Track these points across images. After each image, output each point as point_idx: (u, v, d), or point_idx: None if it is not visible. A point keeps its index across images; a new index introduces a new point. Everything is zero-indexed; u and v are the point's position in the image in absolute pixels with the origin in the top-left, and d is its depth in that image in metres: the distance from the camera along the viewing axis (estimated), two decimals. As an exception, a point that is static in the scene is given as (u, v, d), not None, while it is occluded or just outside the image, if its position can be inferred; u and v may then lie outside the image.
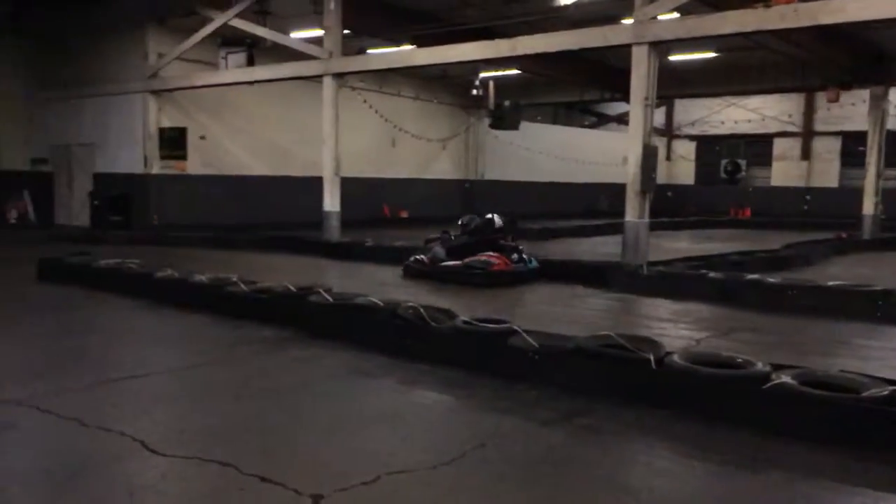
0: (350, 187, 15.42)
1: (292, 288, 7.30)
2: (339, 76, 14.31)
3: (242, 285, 7.63)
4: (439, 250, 10.76)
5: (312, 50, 14.41)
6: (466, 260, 10.25)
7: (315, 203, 14.86)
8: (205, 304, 7.64)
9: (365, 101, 19.72)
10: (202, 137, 17.47)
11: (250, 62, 15.59)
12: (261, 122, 18.52)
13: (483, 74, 20.98)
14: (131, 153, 17.19)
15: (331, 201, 14.59)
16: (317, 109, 14.60)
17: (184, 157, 17.12)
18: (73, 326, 7.29)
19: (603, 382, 4.83)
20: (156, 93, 16.85)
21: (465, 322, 5.76)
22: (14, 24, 17.98)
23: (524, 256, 10.58)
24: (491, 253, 10.32)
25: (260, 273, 9.30)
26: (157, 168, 17.03)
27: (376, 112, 20.32)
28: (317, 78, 14.49)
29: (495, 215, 11.06)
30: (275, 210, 18.09)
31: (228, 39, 15.77)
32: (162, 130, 17.01)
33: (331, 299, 6.80)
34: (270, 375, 5.48)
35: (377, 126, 20.96)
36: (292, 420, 4.45)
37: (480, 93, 21.25)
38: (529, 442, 4.08)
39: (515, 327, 5.49)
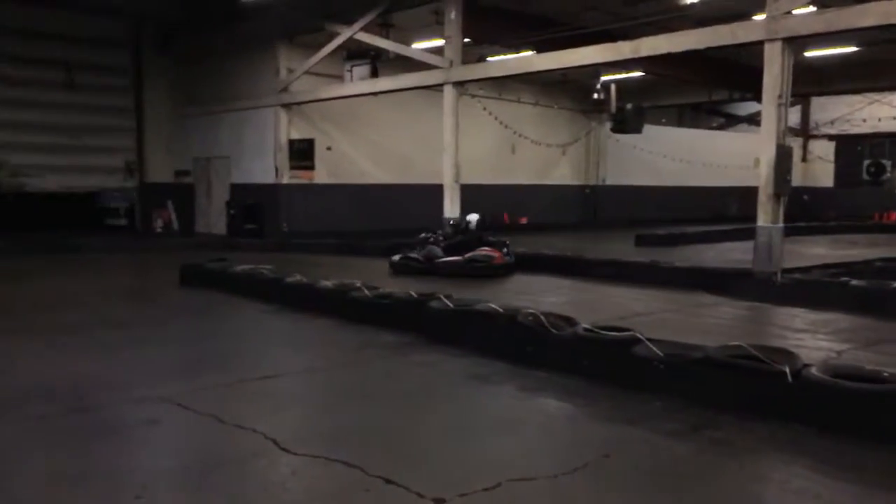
0: (469, 194, 15.51)
1: (414, 294, 7.43)
2: (459, 84, 14.46)
3: (366, 291, 7.84)
4: (435, 248, 11.78)
5: (433, 60, 14.66)
6: (467, 255, 11.47)
7: (435, 210, 15.07)
8: (330, 309, 7.92)
9: (485, 109, 19.83)
10: (328, 148, 18.12)
11: (374, 74, 16.03)
12: (383, 131, 19.01)
13: (604, 78, 20.60)
14: (263, 164, 18.09)
15: (451, 208, 14.74)
16: (437, 118, 14.81)
17: (311, 168, 17.82)
18: (211, 329, 7.74)
19: (733, 395, 4.62)
20: (286, 106, 17.65)
21: (586, 329, 5.66)
22: (163, 48, 19.45)
23: (510, 250, 11.96)
24: (486, 248, 11.68)
25: (382, 279, 9.52)
26: (286, 178, 17.81)
27: (496, 119, 20.38)
28: (438, 87, 14.71)
29: (476, 215, 12.48)
30: (396, 217, 18.47)
31: (353, 52, 16.30)
32: (291, 142, 17.78)
33: (451, 305, 6.87)
34: (393, 379, 5.61)
35: (497, 133, 21.01)
36: (415, 424, 4.53)
37: (602, 96, 20.87)
38: (655, 454, 3.96)
39: (639, 335, 5.34)
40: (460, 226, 12.60)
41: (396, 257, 12.10)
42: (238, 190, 18.73)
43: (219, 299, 9.26)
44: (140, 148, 19.88)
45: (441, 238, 12.29)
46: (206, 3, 16.43)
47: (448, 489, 3.38)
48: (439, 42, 15.15)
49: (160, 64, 19.76)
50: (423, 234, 12.46)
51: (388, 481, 3.48)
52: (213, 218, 19.49)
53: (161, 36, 19.29)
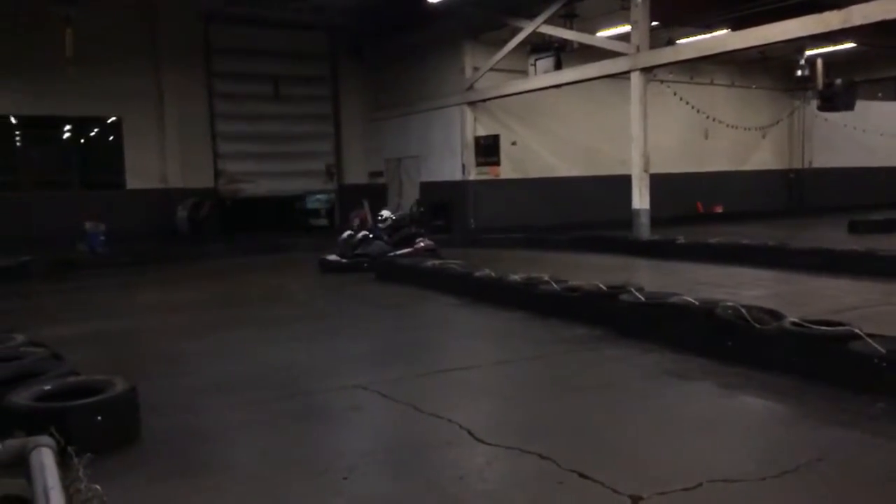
0: (659, 184, 14.98)
1: (603, 287, 7.29)
2: (647, 70, 13.99)
3: (554, 284, 7.81)
4: (381, 244, 12.09)
5: (619, 47, 14.29)
6: (418, 246, 12.17)
7: (623, 201, 14.70)
8: (518, 303, 7.97)
9: (675, 94, 19.04)
10: (514, 143, 18.25)
11: (558, 66, 15.92)
12: (567, 123, 18.81)
13: (809, 52, 19.03)
14: (450, 162, 18.58)
15: (640, 199, 14.32)
16: (623, 106, 14.43)
17: (497, 163, 18.05)
18: (406, 322, 8.07)
19: (974, 398, 4.09)
20: (471, 104, 17.99)
21: (793, 323, 5.25)
22: (356, 56, 20.62)
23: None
24: (424, 239, 12.52)
25: (569, 272, 9.43)
26: (473, 175, 18.17)
27: (687, 104, 19.50)
28: (624, 74, 14.33)
29: (388, 211, 13.22)
30: (582, 210, 18.24)
31: (537, 46, 16.29)
32: (477, 139, 18.11)
33: (643, 298, 6.66)
34: (585, 373, 5.54)
35: (688, 118, 20.09)
36: (608, 418, 4.44)
37: (806, 73, 19.36)
38: (876, 459, 3.60)
39: (856, 330, 4.87)
40: (403, 220, 13.38)
41: (330, 258, 12.14)
42: (427, 188, 19.37)
43: (411, 293, 9.64)
44: (338, 152, 21.18)
45: (384, 234, 12.52)
46: (394, 10, 17.14)
47: (645, 487, 3.28)
48: (625, 28, 14.75)
49: (354, 71, 20.95)
50: (347, 233, 12.69)
51: (583, 476, 3.44)
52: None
53: (354, 45, 20.43)
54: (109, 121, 18.42)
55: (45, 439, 1.48)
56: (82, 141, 18.85)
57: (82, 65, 15.15)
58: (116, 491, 1.79)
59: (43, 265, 12.73)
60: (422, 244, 12.42)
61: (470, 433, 4.09)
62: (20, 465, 1.48)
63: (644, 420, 4.37)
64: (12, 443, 1.49)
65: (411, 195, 19.94)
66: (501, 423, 4.43)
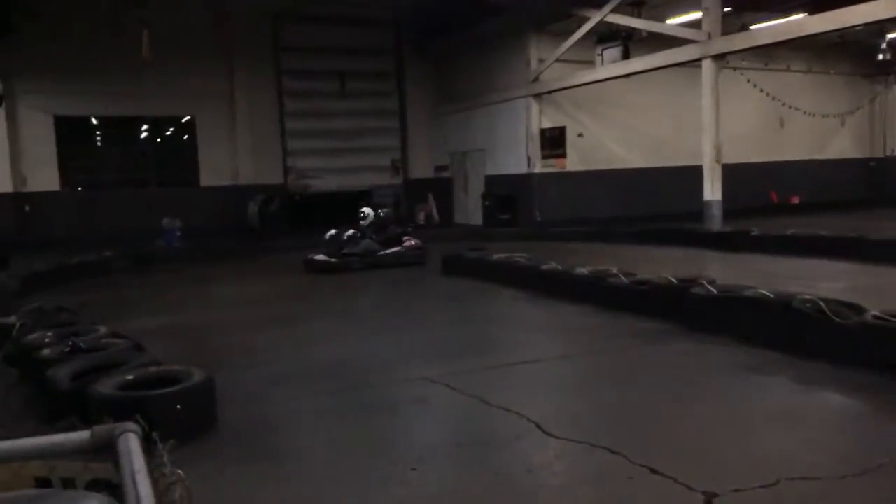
0: (732, 174, 14.57)
1: (673, 280, 7.14)
2: (719, 57, 13.61)
3: (622, 277, 7.69)
4: (369, 242, 12.07)
5: (689, 34, 13.93)
6: (407, 244, 12.28)
7: (693, 193, 14.36)
8: (585, 296, 7.88)
9: (748, 81, 18.47)
10: (580, 135, 18.04)
11: (625, 55, 15.64)
12: (635, 114, 18.46)
13: (891, 35, 18.17)
14: (516, 155, 18.48)
15: (711, 190, 13.96)
16: (693, 95, 14.08)
17: (563, 155, 17.87)
18: (472, 315, 8.09)
19: None
20: (537, 96, 17.85)
21: (875, 317, 5.04)
22: (421, 51, 20.73)
23: None
24: (411, 238, 12.56)
25: (638, 265, 9.26)
26: (539, 167, 18.03)
27: (761, 91, 18.89)
28: (695, 62, 13.97)
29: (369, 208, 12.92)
30: (651, 202, 17.89)
31: (604, 35, 16.03)
32: (543, 131, 17.96)
33: (715, 291, 6.49)
34: (654, 367, 5.45)
35: (762, 106, 19.47)
36: (679, 412, 4.36)
37: (888, 57, 18.47)
38: (969, 461, 3.43)
39: (945, 326, 4.65)
40: (389, 218, 13.16)
41: (317, 258, 11.91)
42: (492, 181, 19.33)
43: (477, 286, 9.65)
44: (404, 146, 21.34)
45: (371, 233, 12.36)
46: (458, 4, 17.13)
47: (720, 484, 3.20)
48: (696, 15, 14.38)
49: (419, 66, 21.06)
50: (332, 232, 12.51)
51: (653, 471, 3.39)
52: (470, 209, 20.32)
53: (419, 40, 20.53)
54: (184, 120, 19.04)
55: (132, 425, 1.54)
56: (158, 140, 19.51)
57: (158, 66, 15.68)
58: (196, 477, 1.86)
59: (124, 260, 13.24)
60: (411, 242, 12.52)
61: (538, 426, 4.08)
62: (107, 450, 1.55)
63: (716, 414, 4.27)
64: (100, 429, 1.55)
65: (477, 188, 19.94)
66: (570, 416, 4.39)
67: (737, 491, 3.14)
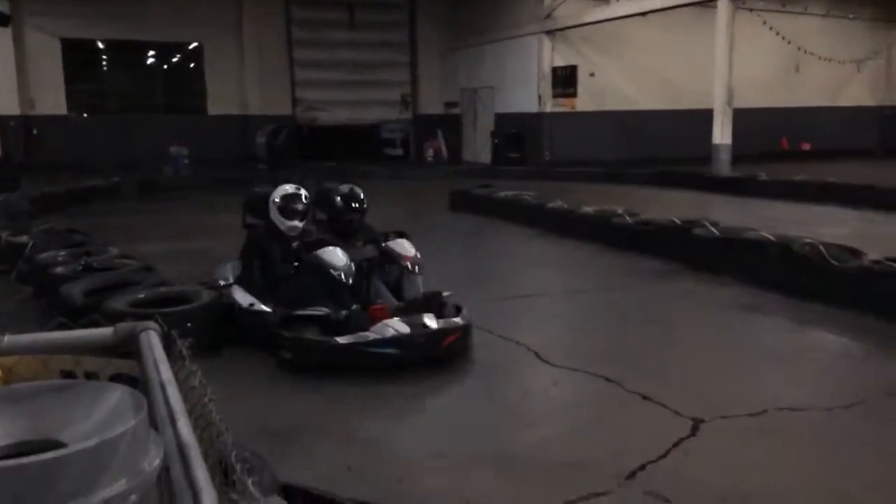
0: (743, 118, 14.42)
1: (677, 221, 7.20)
2: (737, -4, 13.34)
3: (627, 217, 7.75)
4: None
5: (707, -28, 13.64)
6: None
7: (704, 137, 14.26)
8: (590, 234, 7.95)
9: (765, 23, 18.09)
10: (591, 74, 17.79)
11: (641, -7, 15.34)
12: (649, 54, 18.12)
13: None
14: (526, 93, 18.27)
15: (721, 134, 13.86)
16: (709, 38, 13.84)
17: (574, 95, 17.67)
18: (479, 250, 8.20)
19: None
20: (549, 33, 17.55)
21: (874, 261, 5.11)
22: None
23: None
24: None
25: (644, 206, 9.30)
26: (549, 106, 17.85)
27: (777, 34, 18.51)
28: (711, 2, 13.69)
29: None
30: (661, 144, 17.74)
31: (620, -28, 15.69)
32: (554, 70, 17.72)
33: (717, 233, 6.56)
34: (656, 304, 5.55)
35: (777, 50, 19.10)
36: (678, 347, 4.49)
37: (911, 2, 18.05)
38: (953, 399, 3.55)
39: (941, 271, 4.72)
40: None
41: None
42: (502, 119, 19.18)
43: (484, 223, 9.71)
44: (413, 81, 21.09)
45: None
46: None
47: (708, 411, 3.33)
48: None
49: (429, 2, 20.58)
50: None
51: (646, 398, 3.52)
52: (479, 147, 20.21)
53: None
54: (191, 47, 18.81)
55: (152, 324, 1.64)
56: (165, 67, 19.34)
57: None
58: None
59: (132, 186, 13.31)
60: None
61: (537, 355, 4.20)
62: (129, 346, 1.65)
63: (713, 350, 4.39)
64: (123, 325, 1.65)
65: (486, 126, 19.80)
66: (571, 347, 4.52)
67: (724, 418, 3.28)
